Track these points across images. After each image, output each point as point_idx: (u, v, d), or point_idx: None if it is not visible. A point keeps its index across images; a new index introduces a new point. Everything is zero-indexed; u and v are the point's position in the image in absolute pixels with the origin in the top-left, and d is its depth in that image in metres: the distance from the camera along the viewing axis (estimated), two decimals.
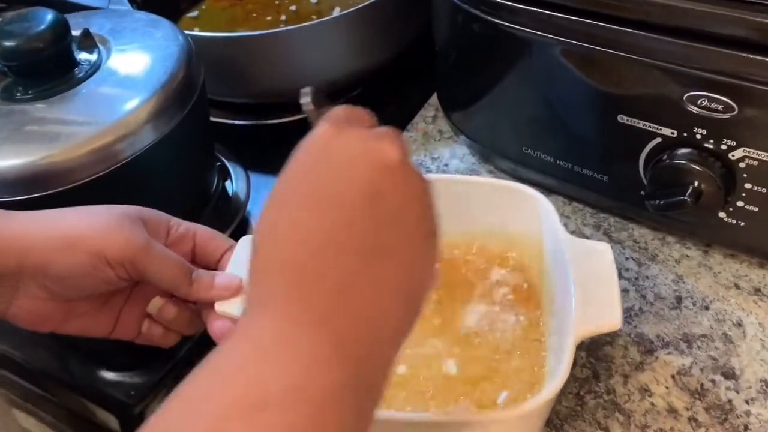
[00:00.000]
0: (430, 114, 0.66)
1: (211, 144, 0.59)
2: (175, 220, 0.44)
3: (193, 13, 0.79)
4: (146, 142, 0.48)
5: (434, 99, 0.67)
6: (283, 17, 0.76)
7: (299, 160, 0.30)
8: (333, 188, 0.28)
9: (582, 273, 0.39)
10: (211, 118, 0.67)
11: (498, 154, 0.56)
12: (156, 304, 0.42)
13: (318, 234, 0.27)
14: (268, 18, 0.76)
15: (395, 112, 0.68)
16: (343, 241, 0.27)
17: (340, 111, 0.32)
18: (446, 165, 0.60)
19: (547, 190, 0.55)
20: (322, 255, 0.27)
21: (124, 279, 0.39)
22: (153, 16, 0.56)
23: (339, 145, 0.30)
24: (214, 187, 0.59)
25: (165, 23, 0.55)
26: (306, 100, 0.35)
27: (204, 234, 0.44)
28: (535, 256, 0.46)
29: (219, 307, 0.41)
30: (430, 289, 0.29)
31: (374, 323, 0.27)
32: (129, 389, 0.47)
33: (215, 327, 0.40)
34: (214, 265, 0.44)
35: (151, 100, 0.49)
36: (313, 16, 0.75)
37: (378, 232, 0.28)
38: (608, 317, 0.37)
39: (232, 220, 0.58)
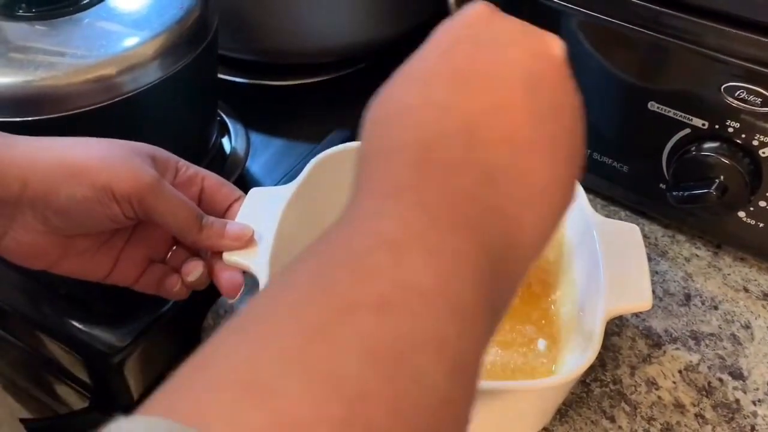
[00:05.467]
0: None
1: (215, 95, 0.56)
2: (183, 162, 0.41)
3: None
4: (151, 78, 0.46)
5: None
6: None
7: (443, 34, 0.26)
8: (485, 68, 0.24)
9: (610, 252, 0.38)
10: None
11: None
12: (197, 270, 0.39)
13: (462, 117, 0.23)
14: None
15: None
16: (493, 127, 0.23)
17: (488, 3, 0.28)
18: None
19: None
20: (466, 142, 0.23)
21: (129, 217, 0.36)
22: None
23: (495, 25, 0.26)
24: (212, 141, 0.56)
25: None
26: None
27: (213, 181, 0.42)
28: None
29: (228, 257, 0.38)
30: (567, 211, 0.25)
31: (520, 226, 0.23)
32: (109, 337, 0.44)
33: (224, 278, 0.38)
34: (221, 214, 0.41)
35: (160, 36, 0.46)
36: None
37: (531, 124, 0.24)
38: (639, 296, 0.36)
39: (230, 177, 0.55)
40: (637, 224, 0.51)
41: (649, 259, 0.49)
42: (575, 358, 0.37)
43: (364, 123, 0.25)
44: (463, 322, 0.19)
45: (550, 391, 0.35)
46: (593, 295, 0.38)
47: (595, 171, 0.50)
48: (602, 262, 0.38)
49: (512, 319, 0.43)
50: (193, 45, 0.48)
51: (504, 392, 0.35)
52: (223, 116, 0.60)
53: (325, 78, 0.67)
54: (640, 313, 0.45)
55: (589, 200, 0.53)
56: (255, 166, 0.57)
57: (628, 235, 0.40)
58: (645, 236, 0.51)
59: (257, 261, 0.38)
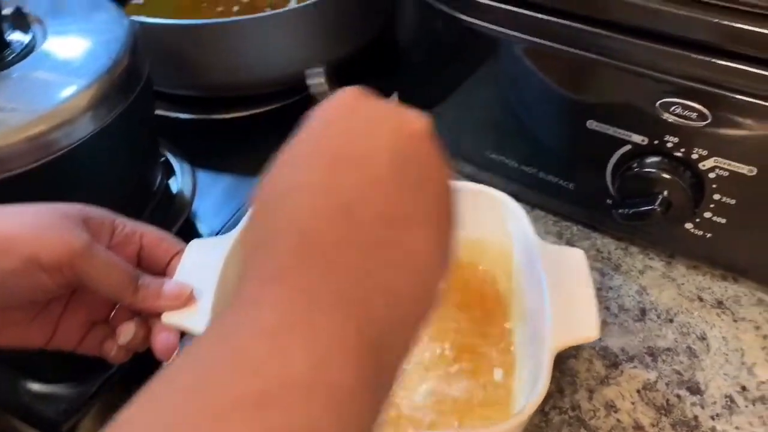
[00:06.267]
0: None
1: (155, 138, 0.55)
2: (120, 219, 0.40)
3: (139, 0, 0.75)
4: (85, 132, 0.44)
5: (395, 97, 0.64)
6: (236, 8, 0.72)
7: (315, 120, 0.27)
8: (357, 149, 0.25)
9: (556, 280, 0.38)
10: (157, 111, 0.63)
11: (460, 158, 0.54)
12: (129, 331, 0.38)
13: (338, 196, 0.24)
14: (219, 9, 0.72)
15: None
16: (367, 204, 0.24)
17: (356, 88, 0.29)
18: None
19: (509, 196, 0.54)
20: (343, 220, 0.23)
21: (61, 285, 0.35)
22: None
23: (362, 107, 0.27)
24: (157, 184, 0.55)
25: (109, 5, 0.51)
26: (318, 80, 0.33)
27: (152, 236, 0.40)
28: (504, 263, 0.45)
29: (167, 318, 0.37)
30: (446, 276, 0.26)
31: (397, 305, 0.23)
32: (58, 403, 0.43)
33: (159, 340, 0.37)
34: (162, 269, 0.40)
35: (91, 87, 0.45)
36: (267, 8, 0.71)
37: (402, 198, 0.25)
38: (585, 327, 0.36)
39: (177, 220, 0.54)
40: (589, 238, 0.51)
41: (603, 274, 0.49)
42: (527, 393, 0.37)
43: (249, 207, 0.26)
44: (341, 407, 0.20)
45: None
46: (541, 327, 0.37)
47: (543, 189, 0.49)
48: (547, 292, 0.38)
49: (472, 350, 0.42)
50: (126, 92, 0.47)
51: None
52: (168, 156, 0.59)
53: (273, 107, 0.66)
54: None
55: (541, 217, 0.53)
56: (203, 206, 0.56)
57: (573, 260, 0.39)
58: (598, 250, 0.50)
59: (197, 320, 0.37)
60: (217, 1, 0.73)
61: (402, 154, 0.26)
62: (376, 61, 0.65)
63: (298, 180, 0.25)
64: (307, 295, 0.21)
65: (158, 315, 0.37)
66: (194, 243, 0.41)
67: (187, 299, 0.37)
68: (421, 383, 0.41)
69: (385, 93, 0.66)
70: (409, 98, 0.58)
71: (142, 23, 0.56)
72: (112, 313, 0.40)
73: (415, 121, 0.27)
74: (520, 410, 0.33)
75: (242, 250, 0.24)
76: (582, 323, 0.36)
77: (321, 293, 0.21)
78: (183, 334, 0.38)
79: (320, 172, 0.25)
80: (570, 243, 0.51)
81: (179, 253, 0.40)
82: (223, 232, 0.54)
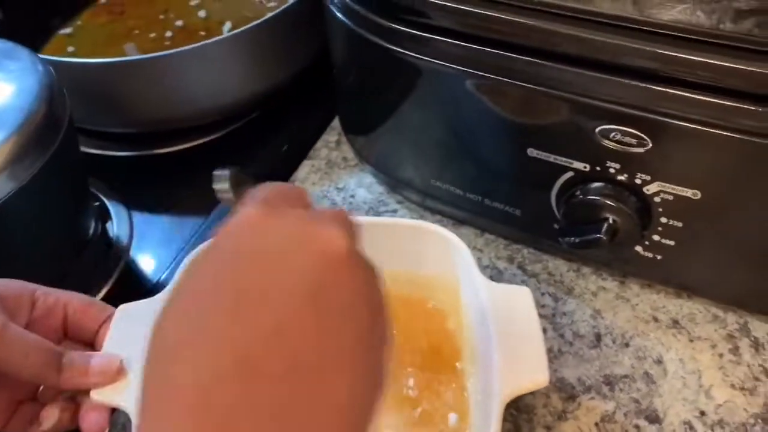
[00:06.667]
0: (333, 138, 0.62)
1: (84, 185, 0.53)
2: (41, 290, 0.38)
3: (67, 30, 0.72)
4: (3, 192, 0.42)
5: (337, 122, 0.62)
6: (169, 33, 0.70)
7: (214, 249, 0.24)
8: (263, 285, 0.22)
9: (503, 323, 0.36)
10: (88, 150, 0.61)
11: (404, 185, 0.53)
12: (52, 417, 0.35)
13: (241, 350, 0.20)
14: (152, 35, 0.70)
15: (295, 136, 0.63)
16: (275, 355, 0.21)
17: (269, 190, 0.26)
18: (353, 196, 0.56)
19: (458, 221, 0.52)
20: (246, 378, 0.20)
21: None
22: (7, 44, 0.48)
23: (270, 231, 0.23)
24: (92, 232, 0.53)
25: (22, 52, 0.48)
26: (222, 185, 0.28)
27: (77, 304, 0.38)
28: (453, 300, 0.43)
29: (96, 395, 0.35)
30: (377, 412, 0.23)
31: None
32: None
33: (88, 420, 0.35)
34: (90, 338, 0.38)
35: (5, 145, 0.42)
36: (202, 33, 0.69)
37: (319, 342, 0.21)
38: (535, 374, 0.35)
39: (114, 269, 0.52)
40: (541, 261, 0.50)
41: (557, 299, 0.47)
42: None
43: (145, 353, 0.22)
44: None
45: None
46: (490, 374, 0.36)
47: (490, 216, 0.48)
48: (494, 336, 0.36)
49: (429, 387, 0.41)
50: (46, 143, 0.45)
51: None
52: (102, 198, 0.57)
53: (217, 135, 0.63)
54: (552, 362, 0.44)
55: (491, 241, 0.52)
56: (142, 248, 0.54)
57: (520, 301, 0.38)
58: (550, 273, 0.49)
59: (128, 395, 0.35)
60: (150, 28, 0.71)
61: (320, 284, 0.22)
62: (316, 82, 0.63)
63: (193, 330, 0.21)
64: None
65: (87, 391, 0.35)
66: (122, 308, 0.39)
67: (116, 373, 0.35)
68: None
69: (326, 120, 0.65)
70: (350, 125, 0.56)
71: (64, 64, 0.53)
72: (40, 388, 0.38)
73: (334, 236, 0.23)
74: None
75: (138, 398, 0.21)
76: (531, 369, 0.35)
77: None
78: (114, 410, 0.36)
79: (220, 319, 0.21)
80: (522, 267, 0.50)
81: (108, 319, 0.38)
82: (165, 278, 0.52)
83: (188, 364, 0.21)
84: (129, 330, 0.37)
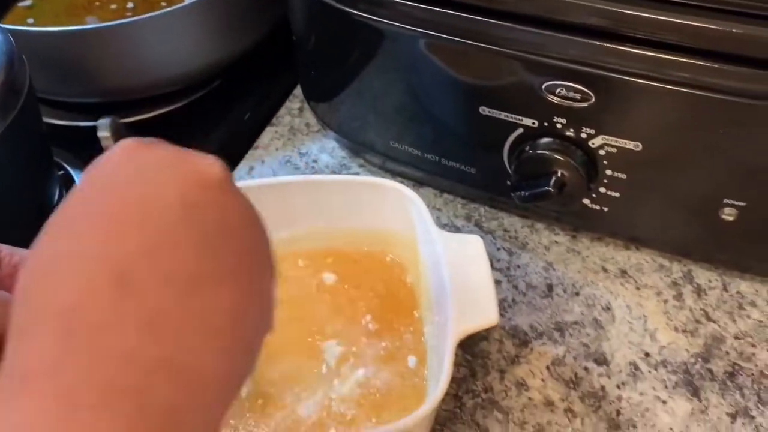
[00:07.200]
0: (296, 106, 0.63)
1: (48, 152, 0.53)
2: (6, 250, 0.38)
3: (26, 2, 0.71)
4: None
5: (299, 90, 0.63)
6: (130, 4, 0.70)
7: (90, 177, 0.23)
8: (138, 205, 0.21)
9: (456, 268, 0.38)
10: (52, 120, 0.61)
11: (365, 148, 0.54)
12: None
13: (111, 264, 0.20)
14: (113, 6, 0.69)
15: (259, 104, 0.64)
16: (149, 268, 0.20)
17: (138, 138, 0.25)
18: (315, 161, 0.58)
19: (417, 182, 0.54)
20: (115, 293, 0.20)
21: None
22: None
23: (144, 157, 0.23)
24: (56, 200, 0.53)
25: None
26: (104, 133, 0.29)
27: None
28: (411, 254, 0.45)
29: None
30: (269, 329, 0.24)
31: (193, 386, 0.20)
32: None
33: None
34: None
35: None
36: (163, 3, 0.69)
37: (195, 257, 0.21)
38: (485, 314, 0.37)
39: None
40: (497, 218, 0.52)
41: (511, 253, 0.49)
42: (435, 382, 0.37)
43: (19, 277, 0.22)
44: None
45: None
46: (445, 317, 0.38)
47: (448, 175, 0.50)
48: (448, 282, 0.38)
49: (389, 332, 0.43)
50: (5, 113, 0.45)
51: None
52: (67, 167, 0.57)
53: (180, 104, 0.64)
54: (506, 312, 0.46)
55: (450, 201, 0.53)
56: None
57: (472, 248, 0.40)
58: (505, 230, 0.51)
59: None
60: None
61: (194, 206, 0.22)
62: (279, 50, 0.64)
63: (65, 249, 0.21)
64: (64, 398, 0.18)
65: None
66: None
67: None
68: (351, 371, 0.41)
69: (289, 88, 0.66)
70: (311, 92, 0.58)
71: (24, 33, 0.53)
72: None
73: (210, 167, 0.23)
74: (420, 410, 0.34)
75: (9, 329, 0.20)
76: (482, 310, 0.37)
77: (83, 391, 0.18)
78: None
79: (94, 240, 0.21)
80: (479, 225, 0.52)
81: None
82: None
83: (60, 283, 0.20)
84: None
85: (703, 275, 0.48)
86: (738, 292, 0.47)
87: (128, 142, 0.24)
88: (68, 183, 0.56)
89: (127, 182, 0.22)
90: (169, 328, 0.20)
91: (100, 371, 0.19)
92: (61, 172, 0.56)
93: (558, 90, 0.40)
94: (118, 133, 0.29)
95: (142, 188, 0.22)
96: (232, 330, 0.22)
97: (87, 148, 0.59)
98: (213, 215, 0.22)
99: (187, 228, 0.21)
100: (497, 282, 0.48)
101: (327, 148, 0.58)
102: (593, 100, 0.40)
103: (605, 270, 0.48)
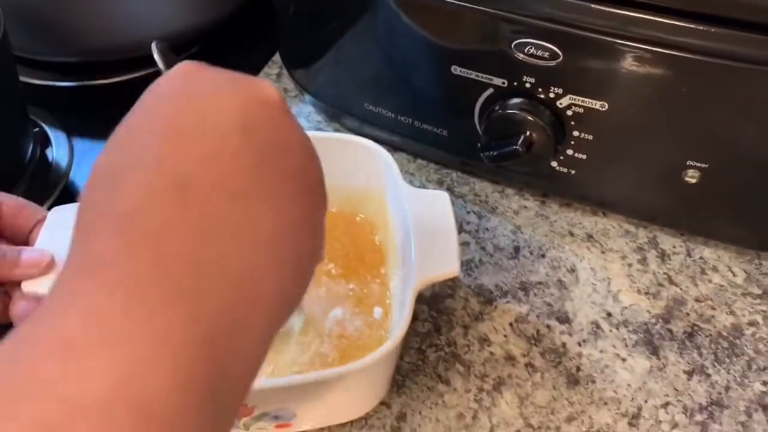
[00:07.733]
0: (274, 72, 0.63)
1: (23, 108, 0.53)
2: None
3: None
4: None
5: (278, 56, 0.64)
6: None
7: (150, 94, 0.24)
8: (195, 119, 0.22)
9: (422, 222, 0.39)
10: (30, 80, 0.61)
11: (342, 112, 0.55)
12: None
13: (172, 173, 0.21)
14: None
15: (237, 70, 0.64)
16: (208, 178, 0.21)
17: (196, 61, 0.26)
18: None
19: (392, 147, 0.54)
20: (177, 200, 0.21)
21: None
22: None
23: (203, 77, 0.24)
24: (29, 156, 0.53)
25: None
26: (156, 55, 0.31)
27: (11, 204, 0.39)
28: (381, 213, 0.45)
29: (26, 286, 0.36)
30: (319, 258, 0.24)
31: (248, 297, 0.21)
32: None
33: (17, 309, 0.36)
34: (24, 238, 0.39)
35: None
36: None
37: (253, 170, 0.22)
38: (446, 264, 0.37)
39: (52, 192, 0.52)
40: (468, 183, 0.52)
41: (480, 216, 0.50)
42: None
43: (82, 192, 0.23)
44: (153, 427, 0.17)
45: (363, 373, 0.36)
46: (408, 269, 0.38)
47: (421, 139, 0.50)
48: (413, 234, 0.39)
49: (356, 279, 0.43)
50: None
51: (323, 381, 0.35)
52: (43, 125, 0.57)
53: (156, 68, 0.64)
54: (472, 271, 0.47)
55: (423, 166, 0.54)
56: (81, 176, 0.55)
57: (437, 202, 0.40)
58: (476, 194, 0.52)
59: None
60: None
61: (251, 122, 0.23)
62: (258, 17, 0.64)
63: (129, 159, 0.22)
64: (126, 289, 0.19)
65: (19, 284, 0.37)
66: (56, 210, 0.40)
67: (47, 266, 0.36)
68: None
69: (268, 54, 0.66)
70: (290, 57, 0.58)
71: None
72: None
73: (265, 88, 0.24)
74: (378, 350, 0.34)
75: (72, 232, 0.21)
76: (444, 261, 0.38)
77: (144, 287, 0.19)
78: None
79: (154, 148, 0.22)
80: (450, 189, 0.52)
81: (42, 220, 0.39)
82: None
83: (121, 187, 0.21)
84: (61, 231, 0.38)
85: (668, 241, 0.48)
86: (701, 258, 0.47)
87: (187, 64, 0.25)
88: (44, 141, 0.56)
89: (188, 99, 0.23)
90: (225, 233, 0.21)
91: (162, 272, 0.19)
92: (36, 129, 0.56)
93: (527, 48, 0.41)
94: (167, 57, 0.31)
95: (201, 105, 0.23)
96: (281, 245, 0.22)
97: (60, 107, 0.60)
98: (266, 133, 0.23)
99: (243, 141, 0.22)
100: (466, 243, 0.48)
101: (303, 112, 0.59)
102: (561, 58, 0.40)
103: (572, 234, 0.49)
